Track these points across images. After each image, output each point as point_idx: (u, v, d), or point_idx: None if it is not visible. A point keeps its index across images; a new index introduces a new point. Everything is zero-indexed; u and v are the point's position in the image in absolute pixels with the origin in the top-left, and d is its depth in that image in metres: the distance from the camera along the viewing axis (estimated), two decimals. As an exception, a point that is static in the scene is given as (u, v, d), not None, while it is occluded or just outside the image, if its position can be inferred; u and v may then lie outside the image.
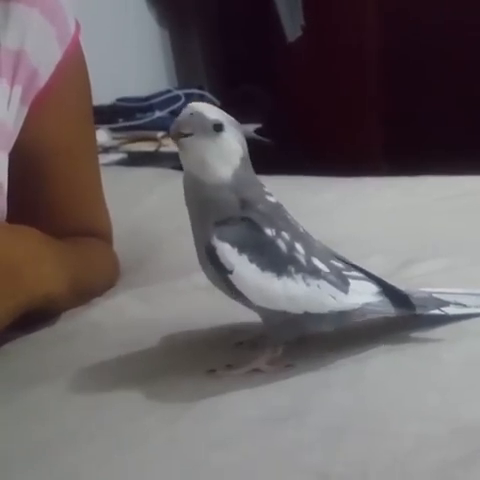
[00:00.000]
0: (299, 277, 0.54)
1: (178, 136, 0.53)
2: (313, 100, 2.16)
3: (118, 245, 0.82)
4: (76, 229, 0.76)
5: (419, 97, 2.18)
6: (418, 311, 0.57)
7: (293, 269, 0.54)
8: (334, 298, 0.55)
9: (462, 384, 0.52)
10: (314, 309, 0.55)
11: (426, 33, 2.09)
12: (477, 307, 0.59)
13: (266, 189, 0.57)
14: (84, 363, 0.60)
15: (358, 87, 2.22)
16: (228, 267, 0.54)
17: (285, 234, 0.55)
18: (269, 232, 0.55)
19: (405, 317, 0.58)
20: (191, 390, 0.55)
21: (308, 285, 0.54)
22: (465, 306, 0.59)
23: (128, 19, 2.06)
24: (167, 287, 0.73)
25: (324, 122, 2.18)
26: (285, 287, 0.54)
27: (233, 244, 0.54)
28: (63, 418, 0.55)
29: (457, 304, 0.58)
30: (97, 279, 0.76)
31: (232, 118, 0.55)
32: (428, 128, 2.15)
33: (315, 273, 0.55)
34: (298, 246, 0.55)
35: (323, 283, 0.55)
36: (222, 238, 0.54)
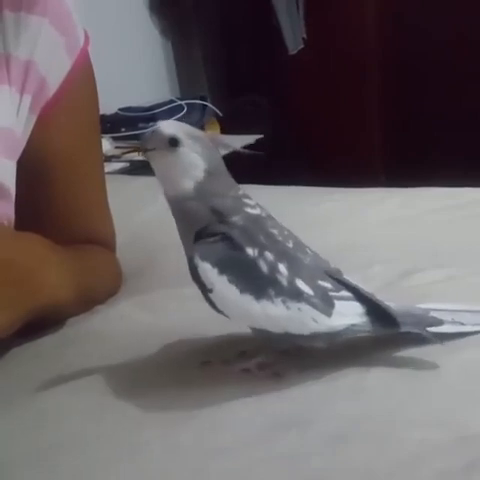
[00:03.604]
0: (278, 301, 0.54)
1: (143, 150, 0.56)
2: (313, 108, 2.17)
3: (121, 252, 0.82)
4: (80, 236, 0.77)
5: (420, 102, 2.19)
6: (403, 329, 0.56)
7: (273, 292, 0.54)
8: (316, 321, 0.54)
9: (464, 392, 0.52)
10: (295, 330, 0.55)
11: (426, 37, 2.10)
12: (474, 325, 0.58)
13: (248, 200, 0.57)
14: (86, 370, 0.60)
15: (359, 93, 2.23)
16: (208, 286, 0.55)
17: (268, 254, 0.55)
18: (250, 252, 0.54)
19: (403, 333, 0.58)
20: (193, 397, 0.55)
21: (288, 308, 0.54)
22: (462, 324, 0.58)
23: (131, 30, 2.07)
24: (169, 294, 0.73)
25: (325, 130, 2.19)
26: (264, 309, 0.54)
27: (214, 264, 0.54)
28: (64, 425, 0.55)
29: (454, 322, 0.58)
30: (100, 286, 0.76)
31: (199, 133, 0.56)
32: (428, 132, 2.15)
33: (297, 296, 0.54)
34: (281, 267, 0.54)
35: (304, 306, 0.54)
36: (203, 257, 0.55)
